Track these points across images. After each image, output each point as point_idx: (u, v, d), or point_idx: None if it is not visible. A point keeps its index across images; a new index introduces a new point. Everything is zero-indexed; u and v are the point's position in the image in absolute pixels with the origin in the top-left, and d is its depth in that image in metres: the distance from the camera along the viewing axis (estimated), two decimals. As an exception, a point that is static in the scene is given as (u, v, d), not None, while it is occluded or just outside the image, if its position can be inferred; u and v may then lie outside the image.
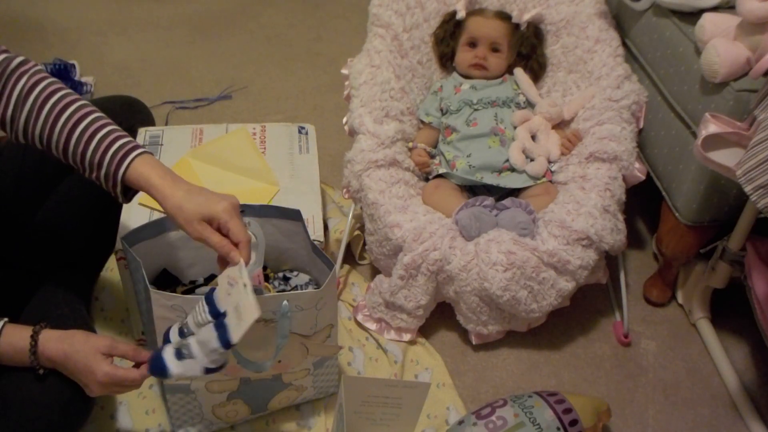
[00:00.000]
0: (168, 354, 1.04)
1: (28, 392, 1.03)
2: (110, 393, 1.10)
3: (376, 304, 1.47)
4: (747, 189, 1.09)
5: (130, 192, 1.09)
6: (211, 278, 1.29)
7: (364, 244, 1.56)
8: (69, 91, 1.06)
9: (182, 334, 1.05)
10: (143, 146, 1.06)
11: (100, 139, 1.03)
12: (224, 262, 1.04)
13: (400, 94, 1.60)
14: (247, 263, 1.03)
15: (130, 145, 1.05)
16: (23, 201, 1.30)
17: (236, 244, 1.02)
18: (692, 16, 1.40)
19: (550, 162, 1.57)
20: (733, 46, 1.26)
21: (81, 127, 1.03)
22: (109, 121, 1.06)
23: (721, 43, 1.26)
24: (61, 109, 1.03)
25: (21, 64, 1.05)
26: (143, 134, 1.50)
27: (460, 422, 1.24)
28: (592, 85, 1.60)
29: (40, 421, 1.02)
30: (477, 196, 1.49)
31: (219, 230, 1.03)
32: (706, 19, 1.31)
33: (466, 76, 1.67)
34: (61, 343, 1.03)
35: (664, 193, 1.51)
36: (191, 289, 1.25)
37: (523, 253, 1.35)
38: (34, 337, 1.02)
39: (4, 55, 1.04)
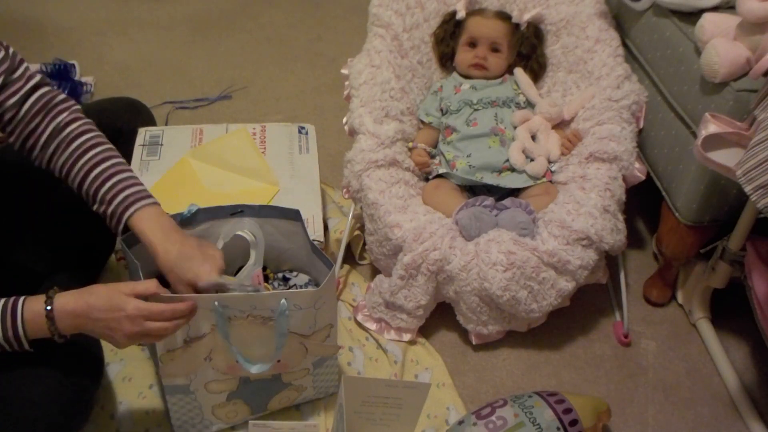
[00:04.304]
0: None
1: (29, 393, 1.03)
2: (141, 342, 1.07)
3: (376, 304, 1.47)
4: (747, 189, 1.09)
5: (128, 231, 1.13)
6: (211, 278, 1.28)
7: (364, 244, 1.56)
8: (98, 133, 1.15)
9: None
10: (151, 196, 1.14)
11: (117, 182, 1.12)
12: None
13: (400, 94, 1.59)
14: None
15: (140, 195, 1.12)
16: (24, 201, 1.30)
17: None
18: (692, 16, 1.40)
19: (550, 162, 1.57)
20: (733, 46, 1.26)
21: (100, 168, 1.12)
22: (126, 167, 1.15)
23: (721, 43, 1.26)
24: (86, 149, 1.12)
25: (63, 101, 1.15)
26: (143, 134, 1.50)
27: (460, 422, 1.24)
28: (592, 85, 1.60)
29: (41, 421, 1.02)
30: (477, 196, 1.49)
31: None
32: (706, 19, 1.31)
33: (466, 76, 1.66)
34: (80, 296, 1.00)
35: (664, 193, 1.50)
36: (191, 289, 1.25)
37: (523, 253, 1.35)
38: (48, 302, 0.99)
39: (46, 88, 1.14)
